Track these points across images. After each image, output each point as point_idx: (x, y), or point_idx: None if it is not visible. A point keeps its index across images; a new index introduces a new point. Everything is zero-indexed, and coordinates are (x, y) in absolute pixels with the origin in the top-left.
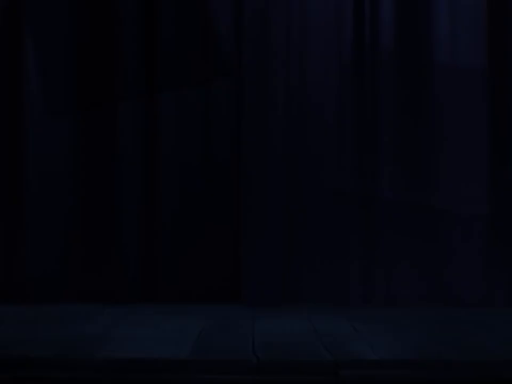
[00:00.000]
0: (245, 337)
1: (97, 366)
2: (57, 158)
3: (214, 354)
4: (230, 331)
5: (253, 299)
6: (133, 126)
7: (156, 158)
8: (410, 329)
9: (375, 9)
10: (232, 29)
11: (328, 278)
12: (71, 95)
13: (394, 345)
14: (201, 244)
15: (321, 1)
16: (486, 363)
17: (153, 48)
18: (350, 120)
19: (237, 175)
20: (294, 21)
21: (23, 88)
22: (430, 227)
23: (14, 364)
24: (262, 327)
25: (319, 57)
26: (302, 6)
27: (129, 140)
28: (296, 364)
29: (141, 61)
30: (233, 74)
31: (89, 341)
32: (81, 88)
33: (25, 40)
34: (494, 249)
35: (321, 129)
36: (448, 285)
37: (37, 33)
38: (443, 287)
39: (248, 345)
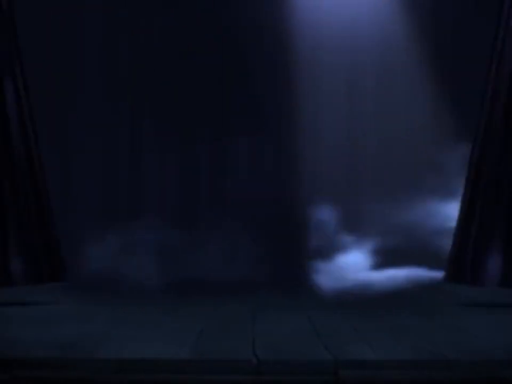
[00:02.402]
0: (245, 337)
1: (97, 366)
2: None
3: (214, 354)
4: (230, 331)
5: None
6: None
7: None
8: None
9: None
10: None
11: None
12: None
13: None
14: None
15: None
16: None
17: None
18: None
19: None
20: None
21: None
22: None
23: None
24: (262, 327)
25: None
26: None
27: None
28: (296, 364)
29: None
30: None
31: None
32: None
33: None
34: None
35: None
36: None
37: None
38: None
39: (248, 345)
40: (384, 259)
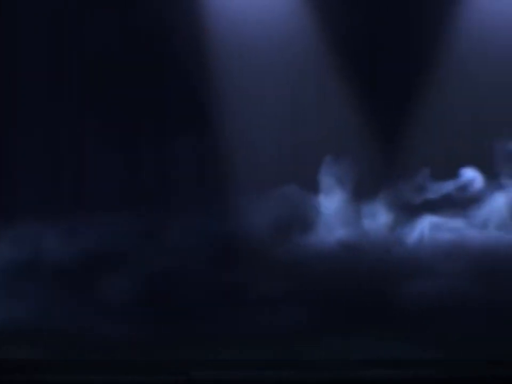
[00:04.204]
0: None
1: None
2: None
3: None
4: None
5: None
6: None
7: None
8: None
9: None
10: None
11: None
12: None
13: None
14: None
15: None
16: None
17: None
18: None
19: None
20: None
21: None
22: None
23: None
24: None
25: None
26: None
27: None
28: (296, 364)
29: None
30: None
31: None
32: None
33: None
34: None
35: None
36: None
37: None
38: None
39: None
40: None
